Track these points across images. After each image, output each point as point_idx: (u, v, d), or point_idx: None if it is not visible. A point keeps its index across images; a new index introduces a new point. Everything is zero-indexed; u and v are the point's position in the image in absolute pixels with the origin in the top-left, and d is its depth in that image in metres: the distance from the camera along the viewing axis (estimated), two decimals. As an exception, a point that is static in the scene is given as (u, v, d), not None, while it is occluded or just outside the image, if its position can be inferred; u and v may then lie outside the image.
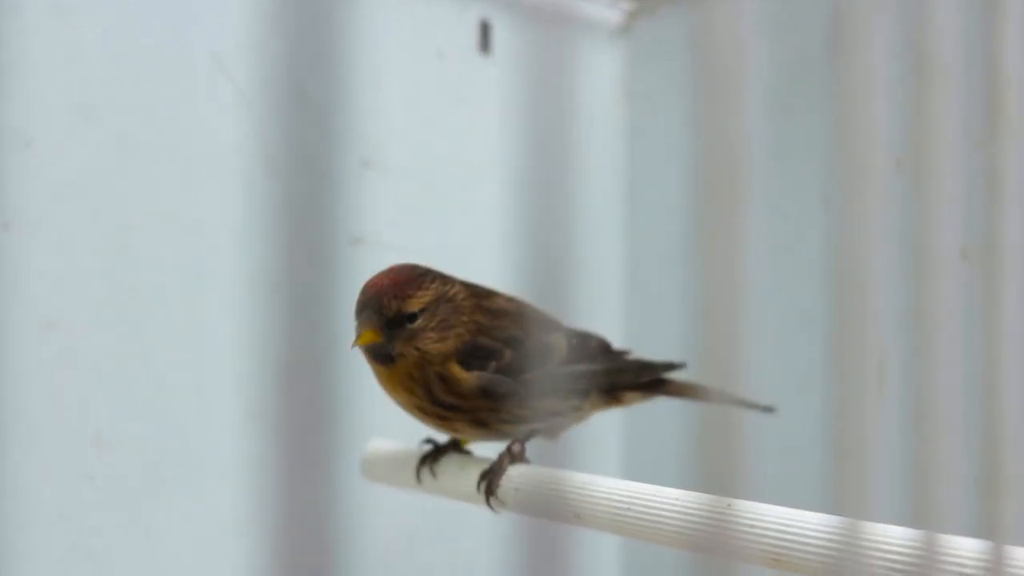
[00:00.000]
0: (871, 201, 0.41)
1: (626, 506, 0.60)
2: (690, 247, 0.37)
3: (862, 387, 0.46)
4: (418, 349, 0.71)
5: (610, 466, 1.24)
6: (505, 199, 1.15)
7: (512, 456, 0.71)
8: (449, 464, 0.77)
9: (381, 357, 0.72)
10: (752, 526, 0.52)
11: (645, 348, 0.85)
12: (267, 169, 0.33)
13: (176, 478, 0.93)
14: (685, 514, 0.56)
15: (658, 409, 1.04)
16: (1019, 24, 0.44)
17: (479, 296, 0.76)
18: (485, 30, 1.17)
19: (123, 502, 0.90)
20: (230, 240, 0.95)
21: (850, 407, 0.43)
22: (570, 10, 0.36)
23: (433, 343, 0.72)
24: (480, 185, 1.14)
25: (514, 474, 0.70)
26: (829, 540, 0.48)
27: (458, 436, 0.79)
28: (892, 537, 0.46)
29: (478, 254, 1.15)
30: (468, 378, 0.72)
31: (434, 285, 0.72)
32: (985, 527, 0.44)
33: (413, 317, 0.71)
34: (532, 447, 0.76)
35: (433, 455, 0.79)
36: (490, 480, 0.70)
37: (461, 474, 0.75)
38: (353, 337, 0.70)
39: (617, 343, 0.84)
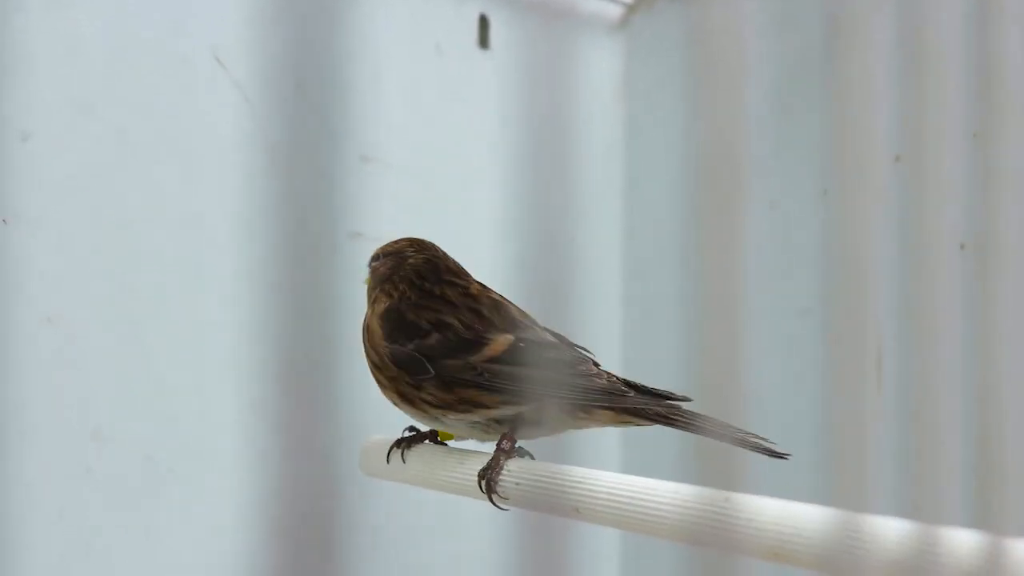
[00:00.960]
0: (869, 196, 0.41)
1: (626, 500, 0.60)
2: (688, 241, 0.37)
3: (860, 380, 0.46)
4: (364, 283, 0.82)
5: (610, 461, 1.24)
6: (503, 194, 1.15)
7: (505, 453, 0.72)
8: (447, 459, 0.77)
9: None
10: (750, 520, 0.52)
11: (643, 342, 0.85)
12: (267, 164, 0.33)
13: (175, 474, 0.93)
14: (684, 508, 0.56)
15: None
16: (1015, 20, 0.45)
17: (433, 280, 0.79)
18: (484, 25, 1.17)
19: (123, 498, 0.90)
20: (230, 235, 0.95)
21: (848, 400, 0.43)
22: (568, 5, 0.36)
23: (372, 284, 0.82)
24: (478, 180, 1.14)
25: (515, 468, 0.70)
26: (827, 533, 0.48)
27: (437, 427, 0.79)
28: (890, 530, 0.46)
29: (476, 248, 1.15)
30: (379, 335, 0.76)
31: (402, 244, 0.83)
32: (982, 519, 0.44)
33: (376, 258, 0.83)
34: (534, 443, 0.76)
35: (408, 441, 0.80)
36: (489, 478, 0.70)
37: (460, 468, 0.75)
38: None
39: (615, 338, 0.83)
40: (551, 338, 0.75)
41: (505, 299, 0.79)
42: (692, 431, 0.70)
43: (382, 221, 1.06)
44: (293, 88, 0.33)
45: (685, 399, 0.73)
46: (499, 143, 1.14)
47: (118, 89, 0.91)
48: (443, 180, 1.13)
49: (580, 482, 0.63)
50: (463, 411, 0.74)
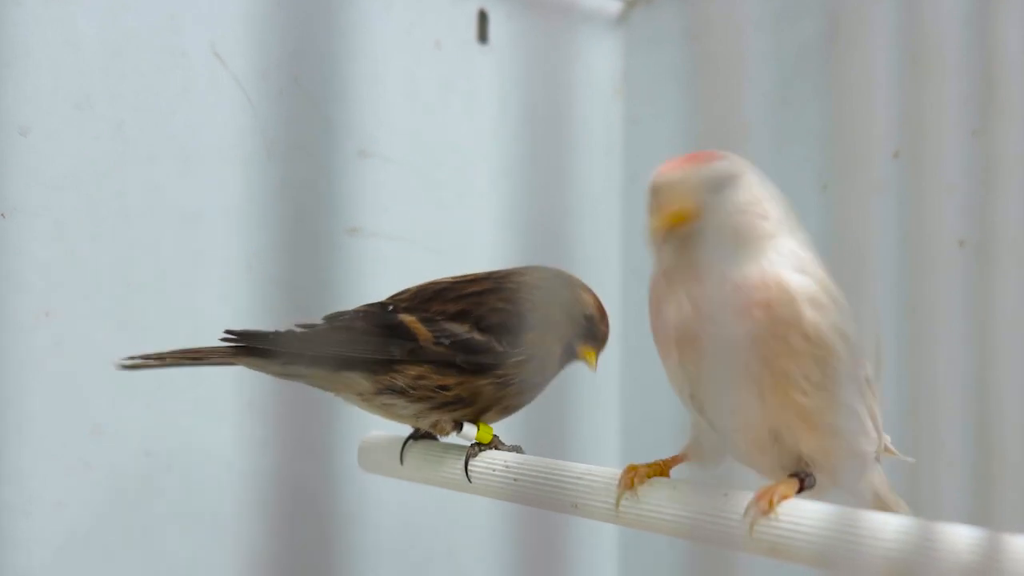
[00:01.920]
0: (868, 190, 0.41)
1: (624, 497, 0.60)
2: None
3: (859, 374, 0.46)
4: None
5: (608, 456, 1.25)
6: (502, 188, 1.15)
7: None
8: (444, 455, 0.77)
9: None
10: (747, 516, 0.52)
11: (641, 338, 0.84)
12: (265, 159, 0.33)
13: (174, 469, 0.93)
14: (682, 504, 0.56)
15: (655, 397, 1.04)
16: (1015, 15, 0.44)
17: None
18: (483, 19, 1.16)
19: (121, 493, 0.90)
20: (228, 229, 0.95)
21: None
22: (567, 0, 0.36)
23: None
24: (477, 174, 1.14)
25: (513, 464, 0.70)
26: (826, 529, 0.48)
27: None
28: (888, 525, 0.46)
29: (475, 242, 1.15)
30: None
31: None
32: (981, 515, 0.44)
33: None
34: (524, 438, 0.75)
35: (409, 439, 0.80)
36: (466, 459, 0.72)
37: (458, 464, 0.75)
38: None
39: (613, 334, 0.81)
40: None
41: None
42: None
43: (380, 216, 1.06)
44: (291, 83, 0.33)
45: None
46: (498, 138, 1.14)
47: (116, 84, 0.91)
48: (442, 175, 1.13)
49: (579, 479, 0.63)
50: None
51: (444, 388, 0.72)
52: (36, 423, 0.85)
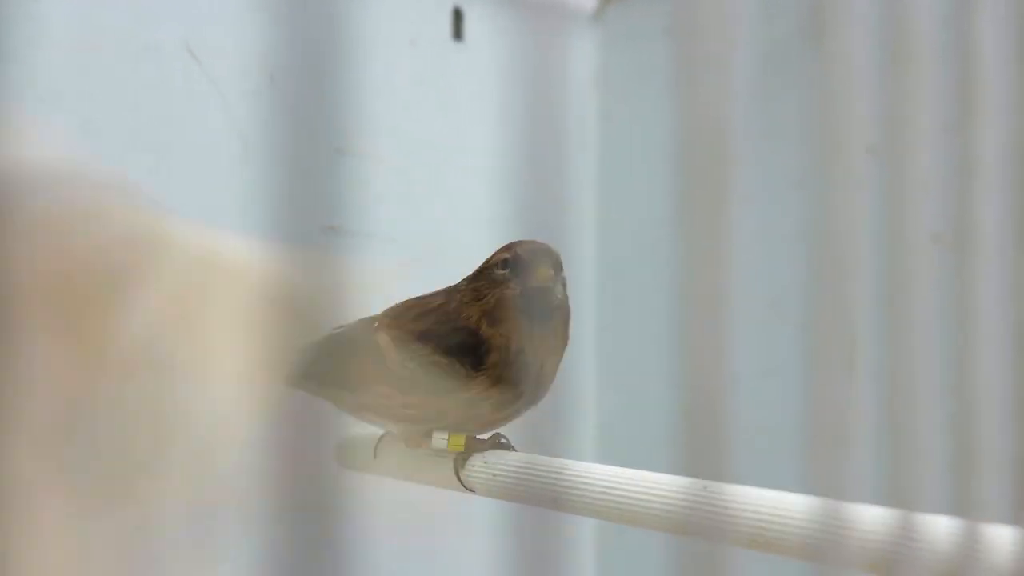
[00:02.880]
0: (847, 186, 0.41)
1: (602, 490, 0.60)
2: (670, 234, 0.37)
3: (837, 369, 0.46)
4: None
5: (585, 451, 1.25)
6: (479, 185, 1.15)
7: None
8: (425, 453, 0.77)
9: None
10: (728, 507, 0.52)
11: (617, 336, 0.84)
12: (240, 157, 0.33)
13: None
14: (662, 496, 0.56)
15: (634, 390, 1.05)
16: (993, 11, 0.45)
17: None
18: (458, 17, 1.16)
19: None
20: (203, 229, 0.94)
21: (826, 389, 0.44)
22: (546, -5, 0.36)
23: None
24: (454, 172, 1.14)
25: (491, 459, 0.70)
26: (808, 521, 0.48)
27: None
28: (869, 517, 0.46)
29: (453, 241, 1.14)
30: None
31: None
32: (960, 506, 0.44)
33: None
34: (512, 434, 0.75)
35: (385, 435, 0.80)
36: (455, 464, 0.71)
37: (438, 461, 0.75)
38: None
39: (588, 331, 0.81)
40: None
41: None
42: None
43: (358, 213, 1.05)
44: (266, 81, 0.33)
45: None
46: (474, 135, 1.14)
47: (84, 80, 0.89)
48: (418, 172, 1.12)
49: (559, 473, 0.63)
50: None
51: (407, 407, 0.72)
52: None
